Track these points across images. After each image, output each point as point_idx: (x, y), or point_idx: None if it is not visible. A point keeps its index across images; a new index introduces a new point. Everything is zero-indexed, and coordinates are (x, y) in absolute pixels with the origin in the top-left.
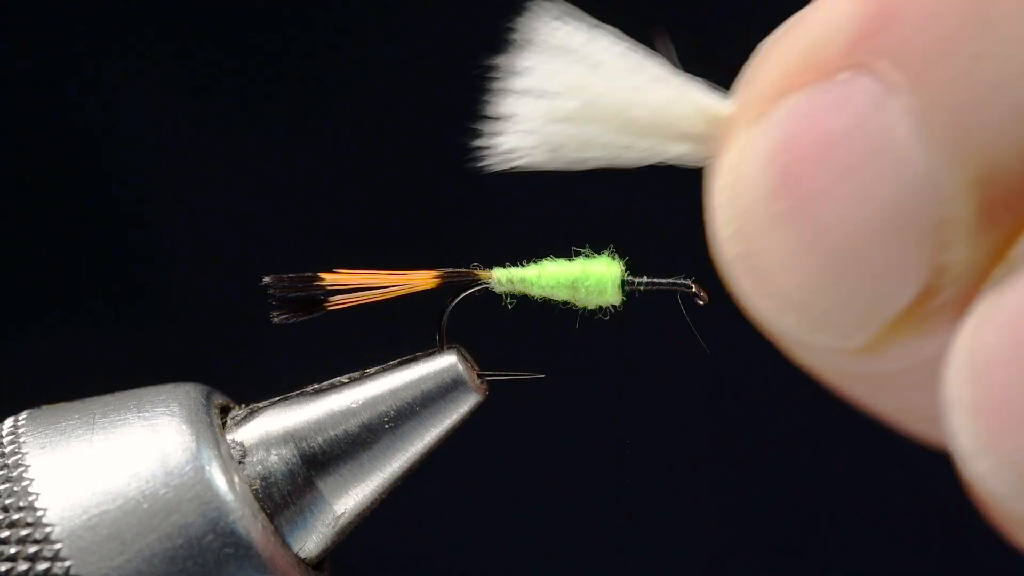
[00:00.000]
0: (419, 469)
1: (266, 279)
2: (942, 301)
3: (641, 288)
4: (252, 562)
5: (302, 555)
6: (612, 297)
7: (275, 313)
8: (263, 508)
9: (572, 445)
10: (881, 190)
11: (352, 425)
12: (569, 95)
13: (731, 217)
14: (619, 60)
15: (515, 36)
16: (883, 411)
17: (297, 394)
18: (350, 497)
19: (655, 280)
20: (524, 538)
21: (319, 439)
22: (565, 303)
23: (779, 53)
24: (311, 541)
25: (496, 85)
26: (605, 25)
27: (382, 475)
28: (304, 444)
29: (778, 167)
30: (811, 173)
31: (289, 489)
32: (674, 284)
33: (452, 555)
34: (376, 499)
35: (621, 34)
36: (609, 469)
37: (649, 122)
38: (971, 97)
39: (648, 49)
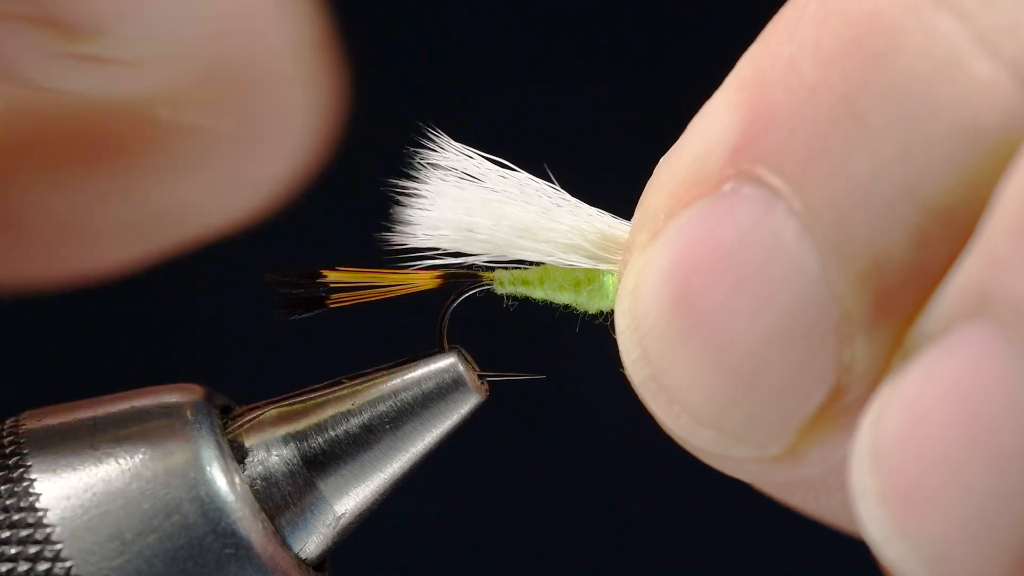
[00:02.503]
0: (419, 470)
1: (268, 275)
2: (852, 398)
3: None
4: (252, 563)
5: (302, 555)
6: (613, 301)
7: (277, 309)
8: (264, 509)
9: (572, 446)
10: (776, 297)
11: (353, 425)
12: (478, 215)
13: (635, 341)
14: (522, 188)
15: (421, 160)
16: (823, 514)
17: (298, 394)
18: (351, 497)
19: None
20: (524, 539)
21: (320, 439)
22: (566, 306)
23: (666, 172)
24: (312, 541)
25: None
26: (497, 158)
27: (383, 475)
28: (305, 444)
29: (674, 285)
30: (707, 287)
31: (290, 490)
32: None
33: (452, 555)
34: (377, 499)
35: (516, 167)
36: (609, 470)
37: (557, 242)
38: (849, 190)
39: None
